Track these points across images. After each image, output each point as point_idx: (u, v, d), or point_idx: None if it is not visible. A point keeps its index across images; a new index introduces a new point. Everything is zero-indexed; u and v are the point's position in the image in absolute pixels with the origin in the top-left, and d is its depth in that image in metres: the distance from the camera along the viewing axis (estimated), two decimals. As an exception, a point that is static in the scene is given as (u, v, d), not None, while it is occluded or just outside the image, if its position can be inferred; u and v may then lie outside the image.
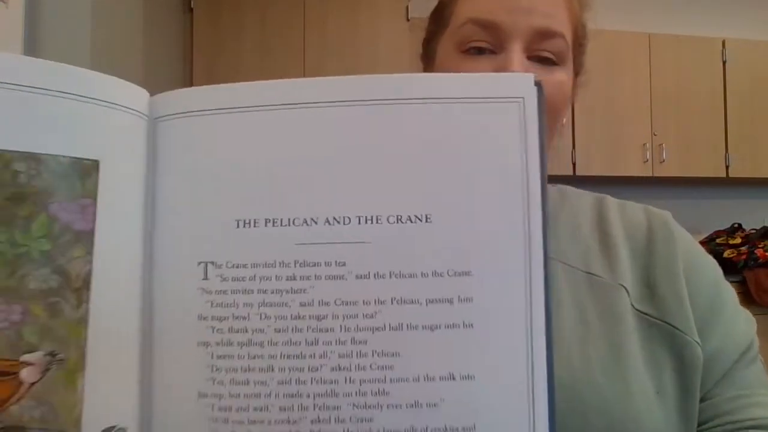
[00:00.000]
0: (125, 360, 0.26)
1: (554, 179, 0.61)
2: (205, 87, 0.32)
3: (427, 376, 0.29)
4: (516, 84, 0.31)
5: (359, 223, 0.29)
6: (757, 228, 3.17)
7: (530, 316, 0.30)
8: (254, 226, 0.28)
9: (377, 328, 0.29)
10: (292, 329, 0.28)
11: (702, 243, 2.99)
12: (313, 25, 2.78)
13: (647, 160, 3.14)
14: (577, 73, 0.59)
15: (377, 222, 0.29)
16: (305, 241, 0.29)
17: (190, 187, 0.29)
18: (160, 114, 0.30)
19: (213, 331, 0.28)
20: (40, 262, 0.24)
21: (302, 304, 0.28)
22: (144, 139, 0.29)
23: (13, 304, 0.24)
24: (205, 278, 0.28)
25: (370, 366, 0.28)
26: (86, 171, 0.26)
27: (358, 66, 2.77)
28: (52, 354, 0.24)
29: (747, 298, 2.69)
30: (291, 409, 0.28)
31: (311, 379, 0.28)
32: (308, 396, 0.28)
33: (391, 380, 0.28)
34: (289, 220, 0.29)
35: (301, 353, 0.28)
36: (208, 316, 0.28)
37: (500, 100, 0.31)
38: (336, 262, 0.29)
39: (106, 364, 0.25)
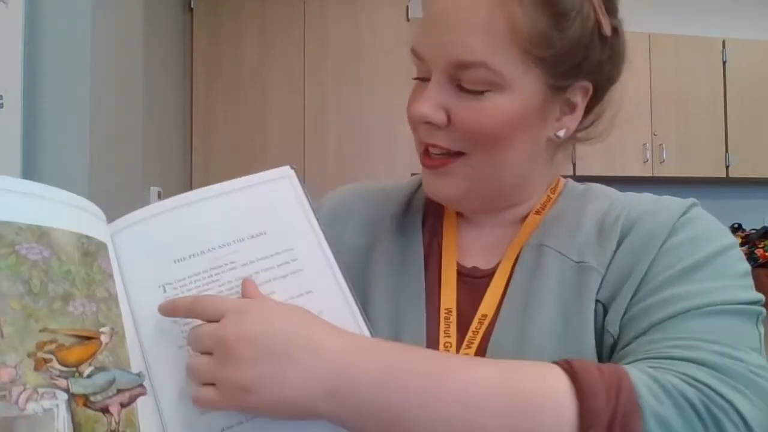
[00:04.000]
0: (133, 333, 0.47)
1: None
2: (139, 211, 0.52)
3: None
4: (279, 172, 0.58)
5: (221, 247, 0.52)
6: (757, 228, 3.18)
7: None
8: (183, 260, 0.50)
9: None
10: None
11: (702, 243, 2.98)
12: (313, 25, 2.78)
13: (647, 160, 3.14)
14: (556, 86, 0.54)
15: (237, 242, 0.52)
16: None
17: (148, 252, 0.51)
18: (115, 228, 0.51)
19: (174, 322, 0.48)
20: (100, 284, 0.45)
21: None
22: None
23: (91, 303, 0.44)
24: (165, 292, 0.49)
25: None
26: (104, 246, 0.48)
27: (358, 66, 2.77)
28: (112, 329, 0.44)
29: (747, 298, 2.69)
30: None
31: None
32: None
33: None
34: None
35: None
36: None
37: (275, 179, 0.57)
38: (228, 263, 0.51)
39: (129, 338, 0.46)
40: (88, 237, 0.45)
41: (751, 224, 3.26)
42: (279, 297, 0.50)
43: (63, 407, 0.38)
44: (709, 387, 0.41)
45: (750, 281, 0.52)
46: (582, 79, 0.56)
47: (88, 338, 0.41)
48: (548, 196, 0.62)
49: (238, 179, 0.55)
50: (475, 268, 0.60)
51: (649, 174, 3.15)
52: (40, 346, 0.38)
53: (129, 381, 0.42)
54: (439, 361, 0.45)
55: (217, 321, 0.43)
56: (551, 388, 0.42)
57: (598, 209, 0.58)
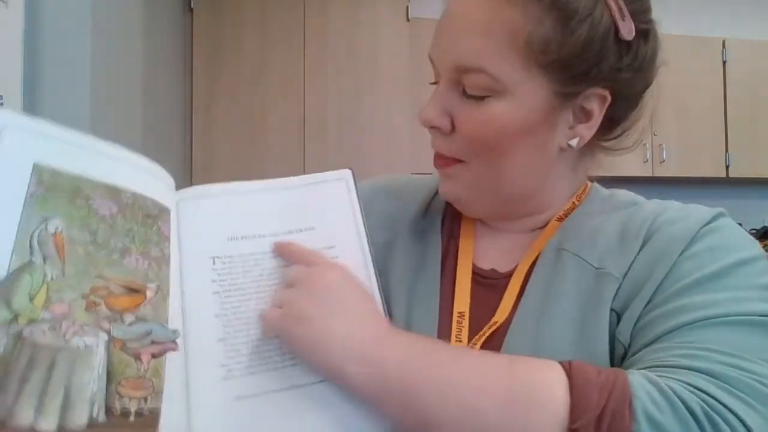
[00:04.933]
0: (177, 295, 0.50)
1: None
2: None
3: None
4: (338, 174, 0.59)
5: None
6: (757, 228, 3.18)
7: None
8: (235, 239, 0.55)
9: None
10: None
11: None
12: (313, 25, 2.78)
13: (647, 160, 3.14)
14: (564, 93, 0.52)
15: (286, 233, 0.55)
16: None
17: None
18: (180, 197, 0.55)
19: (218, 285, 0.52)
20: (155, 244, 0.49)
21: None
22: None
23: (145, 259, 0.47)
24: (214, 264, 0.53)
25: None
26: (167, 211, 0.52)
27: (358, 66, 2.77)
28: (158, 286, 0.48)
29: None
30: None
31: None
32: None
33: None
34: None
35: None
36: (217, 280, 0.52)
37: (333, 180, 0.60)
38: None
39: (173, 298, 0.49)
40: (153, 201, 0.50)
41: (751, 224, 3.26)
42: None
43: (102, 347, 0.42)
44: (711, 396, 0.41)
45: None
46: (595, 86, 0.53)
47: (136, 291, 0.46)
48: (573, 203, 0.60)
49: (300, 177, 0.60)
50: (493, 270, 0.59)
51: (649, 174, 3.15)
52: (93, 290, 0.43)
53: (164, 335, 0.47)
54: (455, 349, 0.50)
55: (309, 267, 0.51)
56: (548, 383, 0.43)
57: (622, 215, 0.57)
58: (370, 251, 0.56)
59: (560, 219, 0.59)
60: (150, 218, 0.49)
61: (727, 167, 3.24)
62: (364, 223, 0.57)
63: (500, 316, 0.55)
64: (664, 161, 3.14)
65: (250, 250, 0.54)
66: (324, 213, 0.57)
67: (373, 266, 0.55)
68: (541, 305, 0.53)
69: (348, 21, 2.79)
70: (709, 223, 0.52)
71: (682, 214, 0.54)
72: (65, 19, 1.34)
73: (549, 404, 0.42)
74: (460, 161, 0.56)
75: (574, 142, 0.55)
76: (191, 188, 0.55)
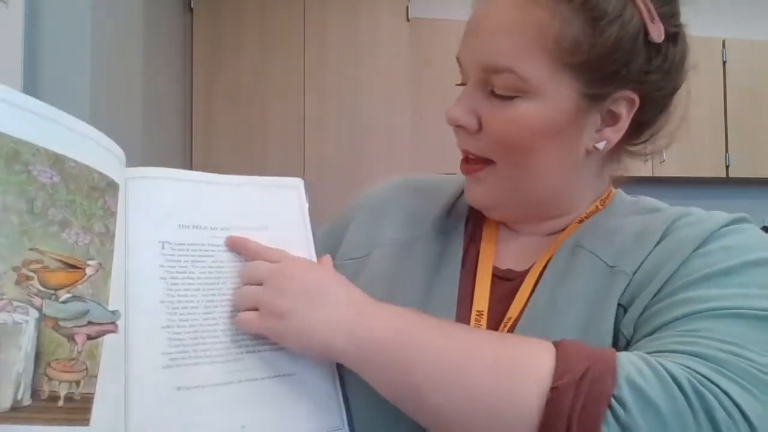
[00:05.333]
0: (121, 275, 0.48)
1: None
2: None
3: None
4: (292, 181, 0.61)
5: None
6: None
7: None
8: (187, 228, 0.53)
9: None
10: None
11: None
12: (313, 25, 2.78)
13: (647, 160, 3.13)
14: (591, 95, 0.52)
15: (239, 229, 0.55)
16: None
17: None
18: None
19: (165, 270, 0.51)
20: (99, 219, 0.46)
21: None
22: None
23: (86, 234, 0.44)
24: (162, 249, 0.51)
25: None
26: (115, 186, 0.49)
27: (358, 66, 2.77)
28: (100, 264, 0.45)
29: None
30: None
31: None
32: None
33: None
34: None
35: None
36: (165, 265, 0.51)
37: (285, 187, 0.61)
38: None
39: (115, 278, 0.46)
40: (100, 173, 0.46)
41: (751, 224, 3.26)
42: None
43: (32, 324, 0.39)
44: (702, 374, 0.40)
45: None
46: (623, 88, 0.52)
47: (74, 267, 0.42)
48: (596, 206, 0.60)
49: (256, 177, 0.60)
50: (509, 270, 0.59)
51: (649, 174, 3.15)
52: (26, 263, 0.40)
53: (102, 316, 0.43)
54: (443, 321, 0.51)
55: (273, 263, 0.52)
56: (536, 352, 0.44)
57: (644, 219, 0.56)
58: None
59: (581, 221, 0.59)
60: (96, 191, 0.46)
61: (727, 167, 3.24)
62: (312, 233, 0.59)
63: (513, 312, 0.55)
64: (664, 161, 3.14)
65: (202, 241, 0.53)
66: (276, 216, 0.58)
67: None
68: (551, 300, 0.53)
69: (348, 21, 2.79)
70: (728, 225, 0.52)
71: (704, 217, 0.54)
72: (65, 19, 1.34)
73: (533, 367, 0.43)
74: (488, 163, 0.56)
75: (600, 146, 0.55)
76: (144, 168, 0.54)
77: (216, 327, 0.51)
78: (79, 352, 0.41)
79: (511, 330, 0.53)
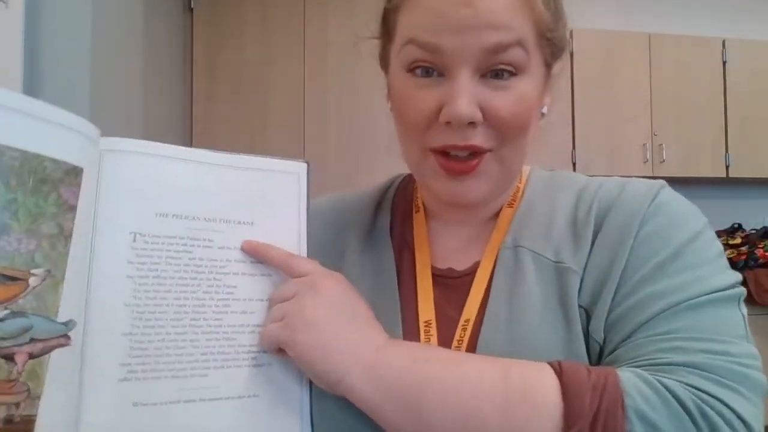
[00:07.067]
0: (81, 277, 0.43)
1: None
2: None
3: None
4: (293, 166, 0.55)
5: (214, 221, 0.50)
6: (757, 228, 3.18)
7: None
8: (164, 216, 0.48)
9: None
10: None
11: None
12: (313, 25, 2.78)
13: (647, 160, 3.14)
14: (548, 64, 0.55)
15: (223, 222, 0.50)
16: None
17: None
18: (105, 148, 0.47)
19: (134, 268, 0.45)
20: (51, 218, 0.40)
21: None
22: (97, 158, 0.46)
23: (31, 239, 0.39)
24: (134, 241, 0.46)
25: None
26: (76, 172, 0.42)
27: (359, 65, 2.77)
28: (48, 271, 0.39)
29: (747, 298, 2.69)
30: None
31: None
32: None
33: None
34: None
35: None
36: (134, 261, 0.45)
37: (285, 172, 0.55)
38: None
39: (72, 282, 0.41)
40: (55, 161, 0.40)
41: (751, 224, 3.26)
42: (238, 295, 0.50)
43: None
44: (701, 390, 0.42)
45: (724, 262, 0.51)
46: (558, 60, 0.56)
47: (14, 279, 0.38)
48: (516, 186, 0.60)
49: (252, 158, 0.53)
50: (450, 269, 0.58)
51: (649, 174, 3.14)
52: None
53: (48, 330, 0.39)
54: (452, 354, 0.51)
55: (300, 277, 0.50)
56: (542, 387, 0.44)
57: (568, 202, 0.57)
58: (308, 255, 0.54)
59: (510, 205, 0.59)
60: (46, 184, 0.39)
61: (727, 167, 3.24)
62: (306, 225, 0.54)
63: (470, 314, 0.54)
64: (664, 161, 3.14)
65: (180, 233, 0.47)
66: (266, 209, 0.52)
67: None
68: (509, 303, 0.53)
69: (348, 20, 2.79)
70: (653, 200, 0.53)
71: (625, 194, 0.55)
72: (65, 19, 1.34)
73: (545, 409, 0.43)
74: (482, 154, 0.53)
75: (545, 110, 0.57)
76: (122, 140, 0.47)
77: (184, 336, 0.46)
78: (20, 373, 0.37)
79: (473, 335, 0.53)
